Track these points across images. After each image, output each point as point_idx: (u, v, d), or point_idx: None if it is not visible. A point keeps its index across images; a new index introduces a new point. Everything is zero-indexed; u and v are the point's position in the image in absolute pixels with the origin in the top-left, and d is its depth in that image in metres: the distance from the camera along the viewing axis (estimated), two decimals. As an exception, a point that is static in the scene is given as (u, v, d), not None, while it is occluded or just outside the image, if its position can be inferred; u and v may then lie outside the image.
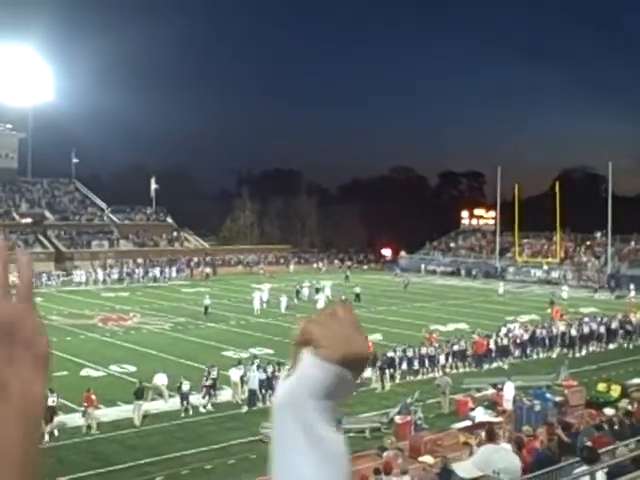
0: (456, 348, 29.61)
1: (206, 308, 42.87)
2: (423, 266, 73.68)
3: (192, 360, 30.24)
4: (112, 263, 66.22)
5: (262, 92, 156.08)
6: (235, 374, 24.98)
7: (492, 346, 30.71)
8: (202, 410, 23.56)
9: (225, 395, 25.03)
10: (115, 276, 62.84)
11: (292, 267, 74.61)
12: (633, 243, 66.30)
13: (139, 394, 22.46)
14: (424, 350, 28.85)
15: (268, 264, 74.30)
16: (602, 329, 34.92)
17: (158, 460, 19.29)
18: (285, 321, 41.25)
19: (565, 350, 32.86)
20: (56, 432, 20.80)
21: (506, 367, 29.73)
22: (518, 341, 32.12)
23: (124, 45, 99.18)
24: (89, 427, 21.35)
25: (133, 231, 76.98)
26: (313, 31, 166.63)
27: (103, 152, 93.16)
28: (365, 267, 77.68)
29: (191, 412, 23.29)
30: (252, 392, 24.18)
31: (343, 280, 60.13)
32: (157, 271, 65.13)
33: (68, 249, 68.76)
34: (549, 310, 44.20)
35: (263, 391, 23.85)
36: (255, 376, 24.62)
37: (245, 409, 23.95)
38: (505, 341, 31.56)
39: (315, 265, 75.83)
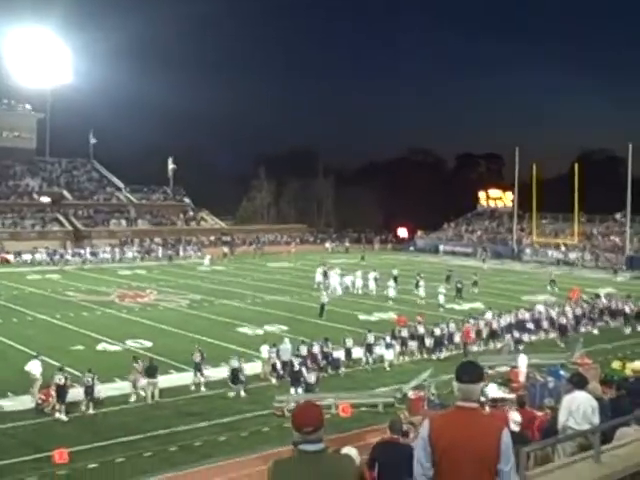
0: (437, 332, 28.74)
1: (322, 307, 36.53)
2: (442, 247, 73.57)
3: (207, 336, 30.46)
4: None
5: (281, 73, 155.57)
6: (265, 350, 25.15)
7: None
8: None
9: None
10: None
11: (328, 246, 74.77)
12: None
13: (151, 372, 22.45)
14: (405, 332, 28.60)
15: (285, 244, 74.59)
16: (626, 308, 34.94)
17: (171, 432, 19.46)
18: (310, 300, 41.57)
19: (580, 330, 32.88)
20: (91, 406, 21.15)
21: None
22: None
23: (142, 26, 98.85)
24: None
25: (150, 210, 77.41)
26: (332, 14, 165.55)
27: (121, 133, 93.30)
28: (376, 247, 77.55)
29: (203, 387, 23.40)
30: (285, 364, 24.44)
31: (359, 260, 60.10)
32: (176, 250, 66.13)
33: (86, 228, 69.24)
34: (549, 288, 44.40)
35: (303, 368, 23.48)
36: (287, 348, 24.96)
37: (274, 381, 24.23)
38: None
39: (327, 245, 75.69)
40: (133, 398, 22.14)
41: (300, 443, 4.03)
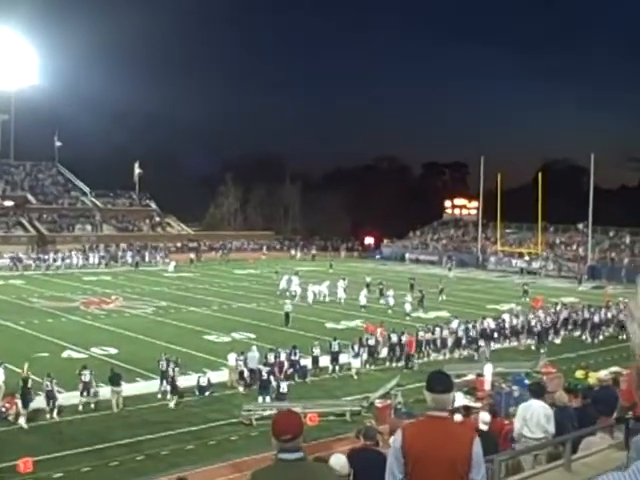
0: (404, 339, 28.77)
1: (287, 315, 36.32)
2: (407, 255, 74.02)
3: (173, 343, 30.23)
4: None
5: (247, 78, 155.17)
6: (232, 358, 25.10)
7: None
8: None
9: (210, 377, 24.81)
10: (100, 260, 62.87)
11: (298, 254, 74.87)
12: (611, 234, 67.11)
13: (115, 380, 22.24)
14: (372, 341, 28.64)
15: (252, 250, 74.60)
16: (595, 318, 35.17)
17: (137, 441, 19.31)
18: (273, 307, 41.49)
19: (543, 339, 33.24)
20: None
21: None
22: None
23: (109, 28, 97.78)
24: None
25: (116, 216, 76.68)
26: (298, 18, 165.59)
27: (86, 136, 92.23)
28: (343, 255, 77.73)
29: (169, 396, 23.11)
30: (252, 371, 24.50)
31: (327, 268, 60.10)
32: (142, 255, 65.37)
33: (50, 233, 68.35)
34: (524, 299, 44.52)
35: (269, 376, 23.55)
36: (255, 356, 24.93)
37: (241, 389, 24.16)
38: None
39: (292, 252, 75.80)
40: (80, 405, 21.85)
41: (279, 451, 4.04)
